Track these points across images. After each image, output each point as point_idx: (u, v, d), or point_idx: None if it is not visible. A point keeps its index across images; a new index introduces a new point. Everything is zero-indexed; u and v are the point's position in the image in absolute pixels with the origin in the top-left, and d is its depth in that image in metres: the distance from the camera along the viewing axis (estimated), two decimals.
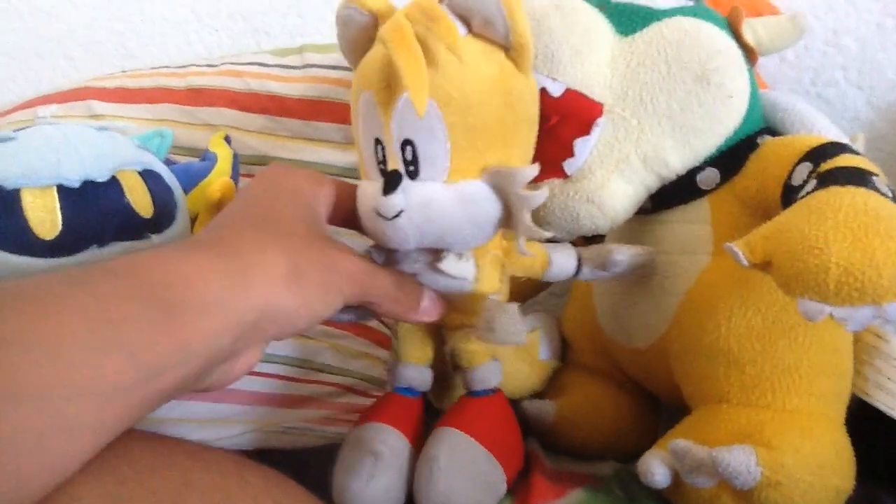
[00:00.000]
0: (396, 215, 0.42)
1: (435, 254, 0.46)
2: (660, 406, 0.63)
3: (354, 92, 0.45)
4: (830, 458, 0.44)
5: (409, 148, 0.42)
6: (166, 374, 0.32)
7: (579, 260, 0.51)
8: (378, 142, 0.44)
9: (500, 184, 0.43)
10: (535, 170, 0.43)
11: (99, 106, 0.78)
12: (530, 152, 0.46)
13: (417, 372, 0.53)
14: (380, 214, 0.43)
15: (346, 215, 0.47)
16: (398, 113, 0.42)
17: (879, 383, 0.47)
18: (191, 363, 0.33)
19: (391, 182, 0.42)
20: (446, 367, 0.55)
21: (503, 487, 0.50)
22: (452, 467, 0.47)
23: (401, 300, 0.45)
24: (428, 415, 0.54)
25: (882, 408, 0.46)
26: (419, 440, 0.51)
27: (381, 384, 0.67)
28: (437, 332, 0.53)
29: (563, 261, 0.51)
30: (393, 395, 0.53)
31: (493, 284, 0.49)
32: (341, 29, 0.47)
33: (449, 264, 0.46)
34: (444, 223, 0.43)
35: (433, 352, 0.54)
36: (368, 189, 0.44)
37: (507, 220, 0.44)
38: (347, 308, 0.45)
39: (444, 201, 0.42)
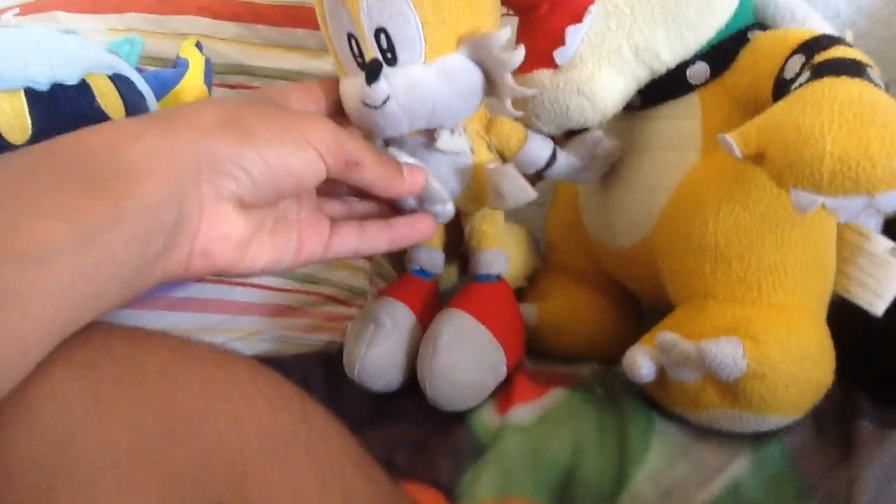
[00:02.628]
0: (384, 102, 0.43)
1: (429, 135, 0.47)
2: (641, 310, 0.64)
3: None
4: (813, 352, 0.45)
5: (382, 35, 0.43)
6: (108, 236, 0.31)
7: (554, 150, 0.52)
8: (351, 36, 0.44)
9: (477, 51, 0.44)
10: (507, 31, 0.43)
11: (64, 17, 0.75)
12: (498, 18, 0.47)
13: (428, 255, 0.55)
14: (367, 105, 0.43)
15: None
16: (365, 3, 0.42)
17: (861, 281, 0.48)
18: (131, 224, 0.32)
19: (372, 71, 0.42)
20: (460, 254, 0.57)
21: (503, 370, 0.52)
22: (454, 344, 0.49)
23: (385, 164, 0.43)
24: None
25: (863, 305, 0.47)
26: (428, 318, 0.53)
27: (363, 294, 0.67)
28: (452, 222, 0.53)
29: (540, 143, 0.51)
30: (408, 276, 0.56)
31: (486, 154, 0.50)
32: None
33: (445, 141, 0.47)
34: (431, 101, 0.44)
35: (445, 236, 0.56)
36: (351, 85, 0.45)
37: (490, 88, 0.45)
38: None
39: (428, 80, 0.43)
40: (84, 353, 0.31)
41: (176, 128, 0.35)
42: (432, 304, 0.55)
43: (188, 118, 0.36)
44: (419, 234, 0.46)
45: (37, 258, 0.28)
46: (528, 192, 0.48)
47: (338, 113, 0.46)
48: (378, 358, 0.51)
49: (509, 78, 0.44)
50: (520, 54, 0.44)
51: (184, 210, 0.34)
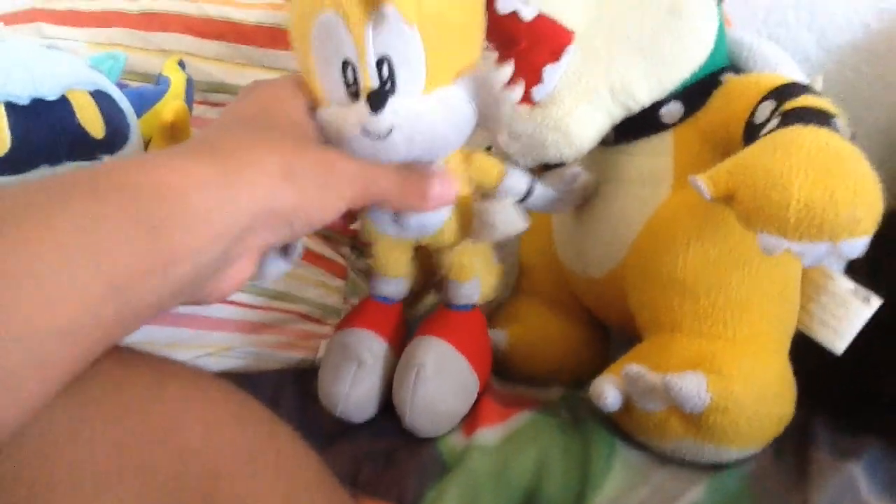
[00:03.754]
0: (388, 132, 0.42)
1: None
2: (609, 338, 0.65)
3: (303, 16, 0.43)
4: (775, 387, 0.46)
5: (384, 64, 0.42)
6: (147, 294, 0.31)
7: (531, 183, 0.53)
8: (347, 64, 0.43)
9: (478, 86, 0.44)
10: (511, 68, 0.44)
11: (48, 28, 0.75)
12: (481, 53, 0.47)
13: (395, 285, 0.55)
14: (369, 133, 0.42)
15: None
16: (370, 30, 0.41)
17: (823, 320, 0.49)
18: (175, 278, 0.32)
19: (379, 100, 0.42)
20: (420, 277, 0.58)
21: (475, 396, 0.53)
22: (438, 375, 0.50)
23: (408, 192, 0.43)
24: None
25: (825, 343, 0.48)
26: (399, 343, 0.54)
27: (336, 312, 0.68)
28: (416, 247, 0.54)
29: (518, 176, 0.52)
30: (372, 302, 0.56)
31: (465, 187, 0.51)
32: None
33: None
34: (432, 132, 0.44)
35: (410, 266, 0.55)
36: (337, 114, 0.44)
37: (483, 121, 0.45)
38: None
39: (429, 111, 0.43)
40: None
41: (239, 178, 0.35)
42: (400, 327, 0.56)
43: (252, 168, 0.36)
44: None
45: (75, 329, 0.29)
46: (521, 224, 0.49)
47: None
48: (363, 396, 0.51)
49: (507, 111, 0.45)
50: (519, 91, 0.44)
51: (227, 257, 0.35)
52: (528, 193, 0.53)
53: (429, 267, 0.56)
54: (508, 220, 0.49)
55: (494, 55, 0.49)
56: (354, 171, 0.40)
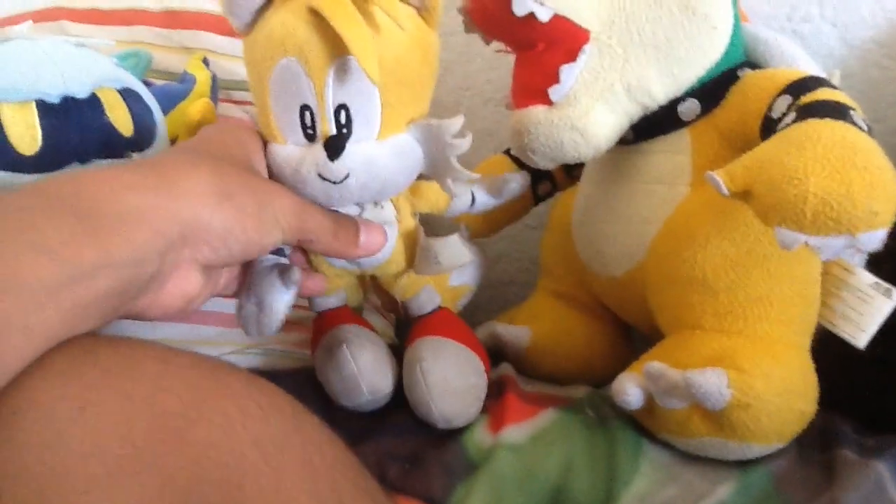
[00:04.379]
0: (345, 178, 0.44)
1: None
2: (632, 335, 0.65)
3: (263, 59, 0.44)
4: (797, 382, 0.46)
5: (343, 111, 0.44)
6: (93, 279, 0.32)
7: (472, 194, 0.55)
8: (305, 109, 0.44)
9: (430, 134, 0.46)
10: (461, 120, 0.45)
11: (71, 27, 0.76)
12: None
13: (334, 299, 0.56)
14: (324, 179, 0.44)
15: None
16: (332, 79, 0.43)
17: (845, 314, 0.49)
18: (116, 272, 0.33)
19: (336, 148, 0.43)
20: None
21: (484, 372, 0.54)
22: (437, 360, 0.51)
23: (339, 236, 0.45)
24: None
25: (846, 337, 0.48)
26: (368, 324, 0.56)
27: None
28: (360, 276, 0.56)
29: (461, 196, 0.54)
30: (318, 316, 0.57)
31: (409, 221, 0.52)
32: None
33: (370, 213, 0.49)
34: (383, 178, 0.45)
35: (352, 284, 0.57)
36: (290, 153, 0.45)
37: (429, 166, 0.47)
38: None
39: (383, 157, 0.45)
40: (67, 362, 0.32)
41: (174, 189, 0.37)
42: (357, 318, 0.58)
43: (187, 182, 0.37)
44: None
45: (20, 290, 0.29)
46: (465, 259, 0.51)
47: None
48: (369, 363, 0.52)
49: (455, 161, 0.46)
50: (468, 141, 0.45)
51: (161, 267, 0.36)
52: (473, 200, 0.55)
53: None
54: (453, 255, 0.51)
55: (511, 57, 0.50)
56: (292, 204, 0.42)
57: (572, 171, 0.63)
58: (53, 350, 0.32)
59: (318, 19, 0.42)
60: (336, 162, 0.43)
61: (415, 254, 0.52)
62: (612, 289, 0.59)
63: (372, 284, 0.58)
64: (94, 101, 0.50)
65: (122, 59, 0.58)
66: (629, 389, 0.47)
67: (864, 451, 0.47)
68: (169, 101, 0.58)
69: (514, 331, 0.61)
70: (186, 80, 0.62)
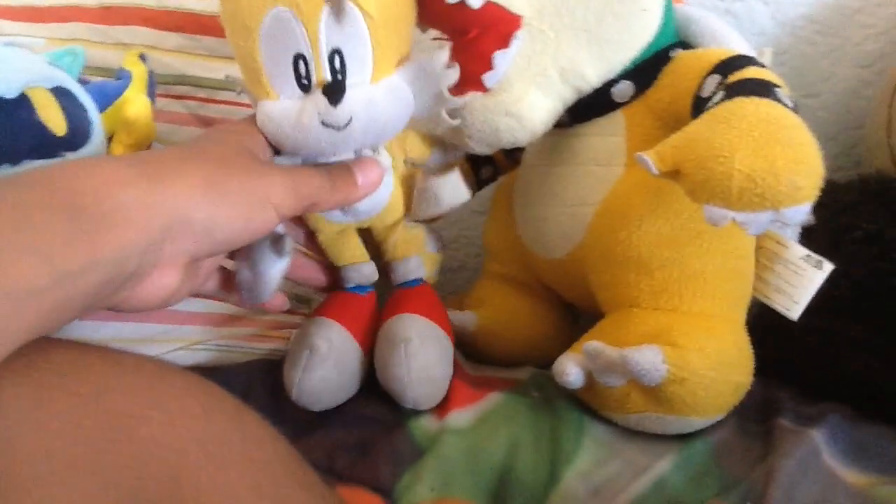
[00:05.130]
0: (348, 123, 0.43)
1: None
2: (576, 316, 0.66)
3: (252, 12, 0.43)
4: (732, 355, 0.47)
5: (336, 56, 0.43)
6: (80, 278, 0.32)
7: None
8: (299, 57, 0.43)
9: (419, 72, 0.45)
10: (447, 51, 0.45)
11: (5, 25, 0.74)
12: None
13: (357, 271, 0.57)
14: (328, 126, 0.43)
15: None
16: (324, 24, 0.42)
17: (779, 287, 0.50)
18: (103, 270, 0.33)
19: (337, 93, 0.42)
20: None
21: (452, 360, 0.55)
22: (423, 345, 0.52)
23: (338, 187, 0.45)
24: None
25: (780, 309, 0.49)
26: (366, 335, 0.55)
27: (308, 302, 0.68)
28: (360, 231, 0.56)
29: (439, 151, 0.55)
30: (341, 293, 0.57)
31: (402, 166, 0.53)
32: None
33: None
34: (383, 119, 0.45)
35: (364, 249, 0.57)
36: (295, 105, 0.44)
37: (420, 106, 0.47)
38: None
39: (380, 99, 0.44)
40: (18, 361, 0.32)
41: (161, 182, 0.36)
42: (369, 318, 0.57)
43: (175, 175, 0.37)
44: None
45: (9, 296, 0.29)
46: (466, 195, 0.52)
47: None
48: (316, 383, 0.52)
49: (447, 91, 0.46)
50: (457, 70, 0.46)
51: (142, 264, 0.36)
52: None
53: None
54: (453, 192, 0.52)
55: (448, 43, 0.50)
56: (282, 179, 0.41)
57: (513, 155, 0.64)
58: None
59: None
60: (338, 107, 0.42)
61: (411, 200, 0.53)
62: (554, 270, 0.60)
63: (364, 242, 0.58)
64: (23, 101, 0.49)
65: (57, 57, 0.57)
66: (569, 369, 0.48)
67: (801, 419, 0.48)
68: (104, 98, 0.57)
69: (461, 316, 0.62)
70: (122, 77, 0.61)
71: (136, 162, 0.37)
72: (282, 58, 0.43)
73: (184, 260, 0.39)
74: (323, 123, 0.43)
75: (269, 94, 0.45)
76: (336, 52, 0.43)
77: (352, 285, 0.57)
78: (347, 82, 0.43)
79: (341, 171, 0.45)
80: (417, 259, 0.57)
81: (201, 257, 0.40)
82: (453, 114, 0.49)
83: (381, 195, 0.52)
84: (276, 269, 0.46)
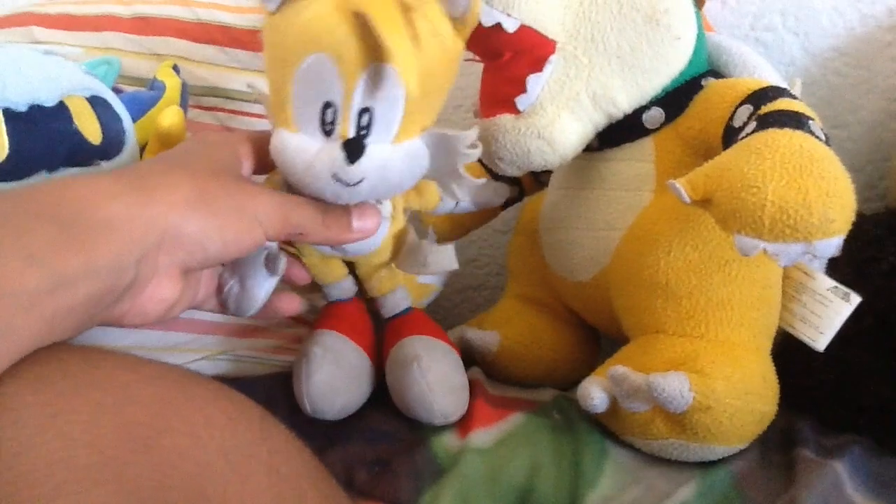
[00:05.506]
0: (359, 182, 0.43)
1: None
2: (598, 339, 0.66)
3: (295, 49, 0.42)
4: (757, 385, 0.47)
5: (366, 115, 0.43)
6: (74, 287, 0.33)
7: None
8: (328, 105, 0.43)
9: (444, 144, 0.45)
10: (475, 133, 0.45)
11: (41, 32, 0.75)
12: None
13: (338, 288, 0.58)
14: (339, 180, 0.43)
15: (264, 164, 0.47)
16: (362, 82, 0.42)
17: (805, 318, 0.50)
18: (99, 277, 0.34)
19: (356, 151, 0.42)
20: None
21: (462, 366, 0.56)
22: (433, 359, 0.53)
23: (330, 224, 0.45)
24: None
25: (806, 340, 0.49)
26: (359, 335, 0.57)
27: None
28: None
29: (447, 198, 0.55)
30: (328, 305, 0.58)
31: (401, 219, 0.53)
32: None
33: None
34: (394, 181, 0.45)
35: (344, 267, 0.58)
36: (310, 147, 0.44)
37: (434, 171, 0.47)
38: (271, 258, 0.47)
39: (396, 162, 0.44)
40: (37, 370, 0.32)
41: (151, 197, 0.37)
42: (358, 317, 0.58)
43: (163, 190, 0.38)
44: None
45: (4, 296, 0.30)
46: (452, 266, 0.52)
47: (263, 169, 0.48)
48: (320, 386, 0.53)
49: (463, 169, 0.47)
50: (479, 151, 0.46)
51: (138, 275, 0.36)
52: (455, 204, 0.57)
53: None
54: (443, 260, 0.52)
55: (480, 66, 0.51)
56: (272, 202, 0.42)
57: (540, 177, 0.64)
58: (25, 358, 0.32)
59: (359, 21, 0.40)
60: (353, 165, 0.42)
61: (400, 251, 0.53)
62: (578, 293, 0.60)
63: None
64: (61, 109, 0.49)
65: (93, 66, 0.57)
66: (594, 393, 0.48)
67: (823, 451, 0.48)
68: (138, 108, 0.58)
69: (483, 335, 0.62)
70: (156, 87, 0.61)
71: (125, 175, 0.38)
72: (312, 100, 0.43)
73: (179, 270, 0.39)
74: (334, 176, 0.43)
75: (289, 125, 0.44)
76: (365, 110, 0.43)
77: (333, 299, 0.58)
78: (370, 139, 0.43)
79: (338, 211, 0.46)
80: (402, 290, 0.57)
81: (196, 268, 0.41)
82: (462, 195, 0.50)
83: (374, 240, 0.52)
84: (265, 287, 0.47)
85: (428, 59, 0.42)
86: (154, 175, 0.39)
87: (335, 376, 0.53)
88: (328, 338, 0.55)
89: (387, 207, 0.52)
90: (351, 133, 0.43)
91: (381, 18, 0.39)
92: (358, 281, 0.58)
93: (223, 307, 0.48)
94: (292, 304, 0.51)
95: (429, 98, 0.44)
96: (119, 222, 0.35)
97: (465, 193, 0.55)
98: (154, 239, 0.36)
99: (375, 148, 0.43)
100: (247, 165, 0.46)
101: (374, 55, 0.41)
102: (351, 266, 0.57)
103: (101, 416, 0.32)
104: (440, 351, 0.54)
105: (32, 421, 0.31)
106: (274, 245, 0.48)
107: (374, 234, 0.48)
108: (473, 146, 0.46)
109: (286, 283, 0.52)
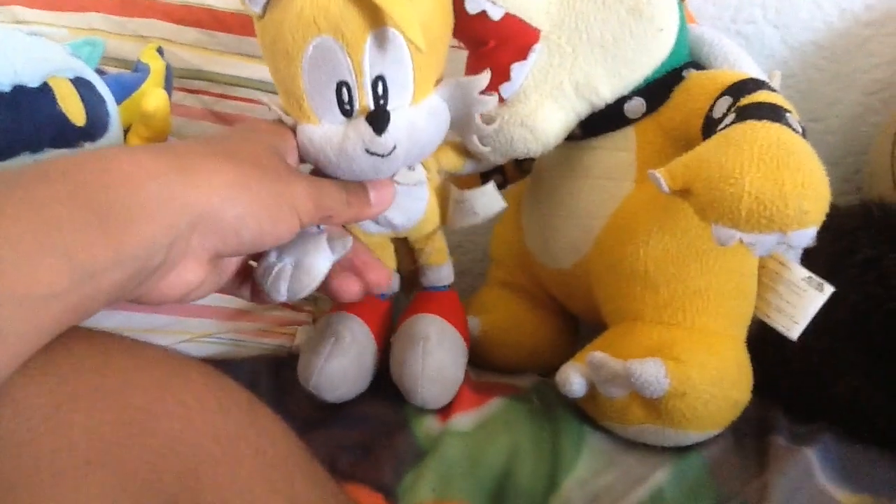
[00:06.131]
0: (392, 150, 0.43)
1: None
2: (578, 326, 0.67)
3: (295, 39, 0.42)
4: (732, 372, 0.48)
5: (380, 83, 0.43)
6: (102, 276, 0.32)
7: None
8: (342, 85, 0.43)
9: (457, 92, 0.46)
10: (487, 76, 0.46)
11: (24, 12, 0.75)
12: None
13: None
14: (373, 154, 0.43)
15: None
16: (368, 52, 0.42)
17: (780, 307, 0.51)
18: (126, 266, 0.33)
19: (382, 121, 0.42)
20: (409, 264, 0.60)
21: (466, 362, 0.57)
22: (441, 346, 0.53)
23: (352, 202, 0.45)
24: None
25: (781, 329, 0.50)
26: (382, 335, 0.57)
27: (313, 300, 0.69)
28: (394, 240, 0.57)
29: (472, 161, 0.56)
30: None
31: (436, 180, 0.54)
32: None
33: (404, 175, 0.50)
34: (424, 142, 0.45)
35: (393, 259, 0.58)
36: (337, 131, 0.44)
37: (454, 124, 0.48)
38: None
39: (421, 121, 0.45)
40: (43, 357, 0.32)
41: (191, 178, 0.36)
42: (386, 322, 0.59)
43: (205, 174, 0.36)
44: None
45: (31, 299, 0.29)
46: (500, 205, 0.53)
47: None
48: (335, 370, 0.53)
49: (478, 117, 0.47)
50: (495, 99, 0.46)
51: (167, 258, 0.35)
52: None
53: (411, 254, 0.59)
54: (490, 203, 0.52)
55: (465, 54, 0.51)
56: (308, 188, 0.41)
57: (522, 165, 0.65)
58: None
59: None
60: (383, 135, 0.42)
61: (446, 210, 0.54)
62: (559, 280, 0.60)
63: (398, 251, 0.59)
64: (45, 91, 0.49)
65: (77, 47, 0.57)
66: (573, 378, 0.49)
67: (795, 438, 0.49)
68: (123, 90, 0.57)
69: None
70: (140, 70, 0.61)
71: (166, 153, 0.36)
72: (325, 85, 0.43)
73: (209, 256, 0.38)
74: (367, 151, 0.43)
75: (310, 118, 0.44)
76: (379, 79, 0.43)
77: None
78: (390, 106, 0.44)
79: (356, 188, 0.45)
80: (449, 267, 0.59)
81: (227, 255, 0.40)
82: (484, 140, 0.49)
83: (417, 208, 0.53)
84: (325, 265, 0.45)
85: (421, 10, 0.43)
86: (195, 157, 0.37)
87: (350, 367, 0.54)
88: (358, 327, 0.56)
89: (420, 172, 0.52)
90: (371, 105, 0.43)
91: None
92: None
93: (254, 292, 0.47)
94: (353, 287, 0.47)
95: (433, 49, 0.44)
96: (157, 205, 0.34)
97: (486, 145, 0.53)
98: (188, 222, 0.35)
99: (398, 113, 0.43)
100: (296, 154, 0.45)
101: (372, 21, 0.41)
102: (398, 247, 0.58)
103: (103, 401, 0.33)
104: (450, 341, 0.55)
105: (38, 410, 0.31)
106: (325, 231, 0.47)
107: (390, 204, 0.47)
108: (489, 94, 0.46)
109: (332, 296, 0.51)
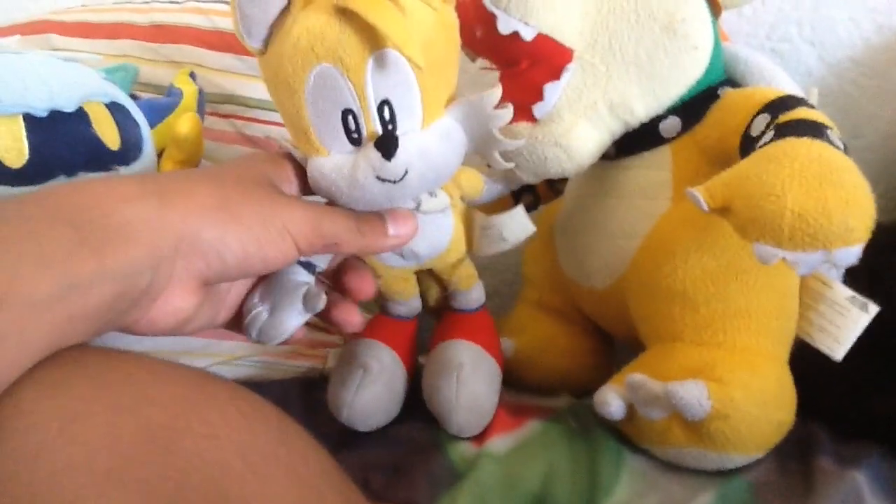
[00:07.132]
0: (404, 175, 0.42)
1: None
2: (613, 346, 0.66)
3: (295, 71, 0.42)
4: (775, 394, 0.47)
5: (386, 107, 0.42)
6: (87, 292, 0.32)
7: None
8: (347, 112, 0.42)
9: (470, 111, 0.45)
10: (499, 91, 0.44)
11: (59, 40, 0.76)
12: None
13: (406, 307, 0.58)
14: (384, 180, 0.42)
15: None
16: (370, 76, 0.41)
17: (822, 326, 0.50)
18: (110, 284, 0.33)
19: (390, 146, 0.41)
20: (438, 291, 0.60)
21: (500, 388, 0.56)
22: (475, 374, 0.53)
23: (365, 232, 0.43)
24: None
25: (824, 349, 0.49)
26: (409, 357, 0.56)
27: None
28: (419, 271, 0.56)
29: (490, 183, 0.55)
30: (384, 317, 0.58)
31: (459, 205, 0.53)
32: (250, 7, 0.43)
33: (428, 203, 0.49)
34: (439, 165, 0.44)
35: (417, 287, 0.58)
36: (347, 160, 0.43)
37: (472, 144, 0.46)
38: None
39: (433, 144, 0.43)
40: (55, 372, 0.32)
41: (170, 201, 0.36)
42: (411, 343, 0.58)
43: (183, 195, 0.37)
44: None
45: (15, 302, 0.30)
46: (530, 229, 0.52)
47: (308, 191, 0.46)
48: (367, 402, 0.53)
49: (498, 132, 0.45)
50: (509, 111, 0.45)
51: (154, 281, 0.36)
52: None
53: (439, 281, 0.58)
54: (518, 228, 0.51)
55: (496, 74, 0.50)
56: (303, 213, 0.41)
57: (555, 185, 0.64)
58: (43, 361, 0.32)
59: (346, 17, 0.40)
60: (393, 160, 0.41)
61: (472, 238, 0.53)
62: (594, 300, 0.60)
63: (422, 281, 0.58)
64: (81, 115, 0.50)
65: (110, 72, 0.58)
66: (611, 400, 0.48)
67: (842, 460, 0.48)
68: (156, 114, 0.58)
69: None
70: (173, 94, 0.62)
71: (144, 180, 0.37)
72: (330, 114, 0.42)
73: (196, 282, 0.38)
74: (378, 178, 0.42)
75: (318, 150, 0.44)
76: (385, 103, 0.42)
77: (394, 315, 0.58)
78: (398, 132, 0.42)
79: (371, 216, 0.44)
80: (479, 288, 0.58)
81: (215, 281, 0.40)
82: (507, 156, 0.48)
83: (441, 237, 0.52)
84: (296, 322, 0.44)
85: (422, 27, 0.42)
86: (173, 181, 0.38)
87: (382, 397, 0.54)
88: (386, 355, 0.55)
89: (444, 198, 0.51)
90: (378, 130, 0.42)
91: (365, 4, 0.39)
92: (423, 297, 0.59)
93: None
94: (353, 318, 0.47)
95: (439, 70, 0.44)
96: (134, 227, 0.35)
97: (508, 162, 0.51)
98: (170, 244, 0.36)
99: (408, 137, 0.42)
100: (295, 184, 0.45)
101: (370, 44, 0.40)
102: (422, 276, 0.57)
103: (120, 418, 0.32)
104: (485, 369, 0.54)
105: (52, 425, 0.31)
106: (312, 281, 0.46)
107: (412, 236, 0.46)
108: (502, 107, 0.45)
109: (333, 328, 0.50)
